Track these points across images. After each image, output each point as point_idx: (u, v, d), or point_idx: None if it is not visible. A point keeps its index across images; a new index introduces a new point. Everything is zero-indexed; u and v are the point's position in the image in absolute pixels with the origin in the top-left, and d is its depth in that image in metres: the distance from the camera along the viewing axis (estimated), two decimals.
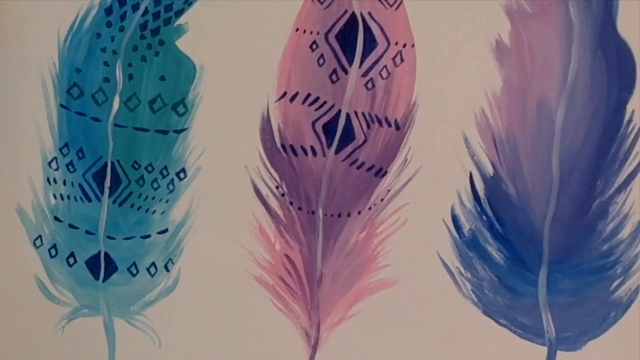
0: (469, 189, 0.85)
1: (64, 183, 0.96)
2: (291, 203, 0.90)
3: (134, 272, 0.95)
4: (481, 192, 0.84)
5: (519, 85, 0.83)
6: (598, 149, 0.81)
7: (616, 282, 0.81)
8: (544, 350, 0.83)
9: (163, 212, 0.94)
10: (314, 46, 0.89)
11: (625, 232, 0.81)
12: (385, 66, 0.87)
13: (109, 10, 0.95)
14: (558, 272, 0.82)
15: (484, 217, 0.84)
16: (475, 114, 0.84)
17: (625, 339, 0.81)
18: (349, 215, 0.88)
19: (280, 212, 0.90)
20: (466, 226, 0.85)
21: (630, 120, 0.80)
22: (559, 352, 0.82)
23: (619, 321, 0.81)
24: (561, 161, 0.81)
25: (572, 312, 0.82)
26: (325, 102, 0.89)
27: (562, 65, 0.81)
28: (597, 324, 0.81)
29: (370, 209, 0.88)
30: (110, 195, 0.95)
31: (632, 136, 0.80)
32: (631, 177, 0.80)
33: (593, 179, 0.81)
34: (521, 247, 0.83)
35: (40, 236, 0.98)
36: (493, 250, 0.84)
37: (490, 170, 0.84)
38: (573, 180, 0.81)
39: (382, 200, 0.88)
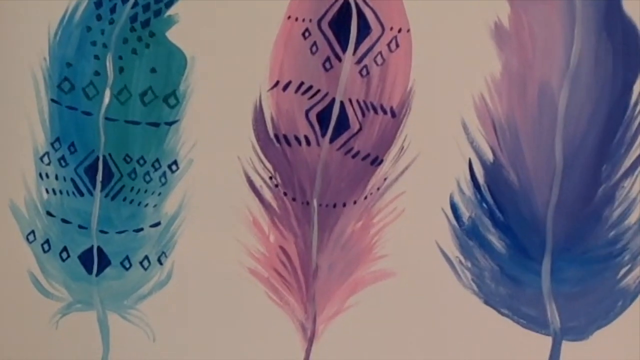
0: (468, 177, 0.79)
1: (56, 178, 0.93)
2: (285, 194, 0.86)
3: (127, 266, 0.91)
4: (481, 180, 0.79)
5: (520, 70, 0.78)
6: (603, 133, 0.75)
7: (623, 270, 0.75)
8: (548, 340, 0.78)
9: (155, 205, 0.90)
10: (307, 34, 0.84)
11: (632, 219, 0.75)
12: (380, 52, 0.82)
13: (98, 4, 0.92)
14: (562, 260, 0.77)
15: (484, 204, 0.79)
16: (474, 99, 0.79)
17: (633, 328, 0.75)
18: (344, 205, 0.84)
19: (274, 204, 0.86)
20: (466, 214, 0.80)
21: (636, 103, 0.75)
22: (564, 343, 0.77)
23: (627, 310, 0.75)
24: (564, 146, 0.76)
25: (577, 301, 0.77)
26: (318, 91, 0.84)
27: (564, 48, 0.76)
28: (604, 313, 0.76)
29: (366, 198, 0.83)
30: (102, 189, 0.91)
31: (638, 119, 0.75)
32: (639, 161, 0.75)
33: (598, 164, 0.76)
34: (523, 235, 0.78)
35: (33, 231, 0.94)
36: (494, 238, 0.79)
37: (490, 156, 0.79)
38: (577, 166, 0.76)
39: (378, 189, 0.83)
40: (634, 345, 0.75)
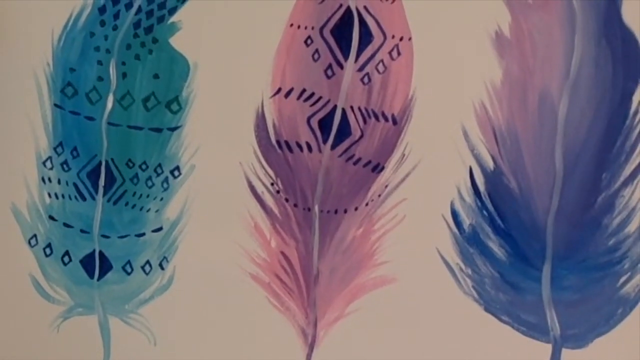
0: (469, 184, 0.79)
1: (59, 182, 0.92)
2: (287, 200, 0.85)
3: (129, 270, 0.91)
4: (481, 187, 0.79)
5: (520, 77, 0.77)
6: (603, 141, 0.75)
7: (623, 278, 0.75)
8: (548, 348, 0.77)
9: (157, 211, 0.89)
10: (309, 41, 0.84)
11: (632, 227, 0.75)
12: (382, 60, 0.82)
13: (102, 9, 0.91)
14: (562, 268, 0.76)
15: (484, 212, 0.78)
16: (475, 107, 0.78)
17: (632, 336, 0.75)
18: (345, 211, 0.83)
19: (275, 209, 0.85)
20: (466, 222, 0.79)
21: (636, 112, 0.74)
22: (564, 350, 0.77)
23: (627, 318, 0.75)
24: (565, 154, 0.76)
25: (577, 309, 0.76)
26: (320, 98, 0.83)
27: (564, 56, 0.76)
28: (604, 321, 0.75)
29: (367, 205, 0.83)
30: (104, 194, 0.91)
31: (638, 128, 0.74)
32: (638, 169, 0.74)
33: (598, 172, 0.75)
34: (524, 242, 0.77)
35: (35, 235, 0.94)
36: (494, 246, 0.78)
37: (490, 164, 0.79)
38: (577, 174, 0.76)
39: (379, 196, 0.82)
40: (634, 353, 0.74)
